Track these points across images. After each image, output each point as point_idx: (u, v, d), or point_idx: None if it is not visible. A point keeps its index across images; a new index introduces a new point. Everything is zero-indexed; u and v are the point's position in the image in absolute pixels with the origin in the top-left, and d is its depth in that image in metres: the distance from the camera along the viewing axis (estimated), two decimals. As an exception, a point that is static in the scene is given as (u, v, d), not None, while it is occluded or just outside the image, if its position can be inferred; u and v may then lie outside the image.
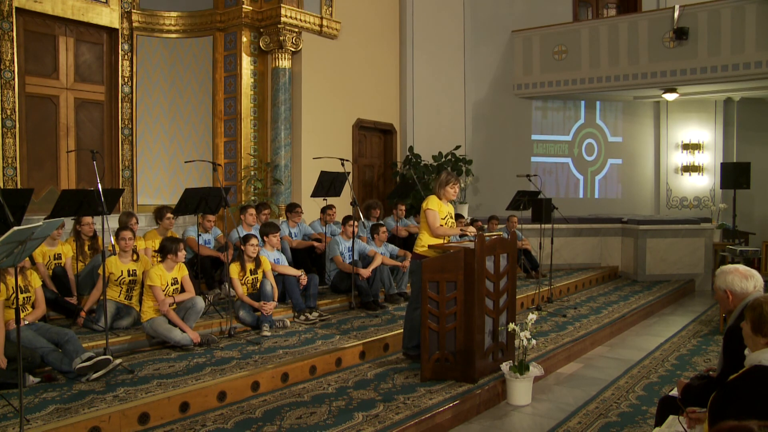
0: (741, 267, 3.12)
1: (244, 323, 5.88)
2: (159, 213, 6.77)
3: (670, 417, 2.95)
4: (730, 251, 9.07)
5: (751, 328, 2.53)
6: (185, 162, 9.09)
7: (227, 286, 5.95)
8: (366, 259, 7.18)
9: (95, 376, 4.26)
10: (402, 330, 5.74)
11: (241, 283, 5.93)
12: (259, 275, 6.03)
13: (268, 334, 5.66)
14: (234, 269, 5.93)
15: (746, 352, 2.59)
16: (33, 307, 4.73)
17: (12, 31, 8.06)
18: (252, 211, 7.14)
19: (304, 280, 6.39)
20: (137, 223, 6.67)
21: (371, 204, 8.50)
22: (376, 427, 3.85)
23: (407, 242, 8.75)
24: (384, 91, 11.28)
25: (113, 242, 5.72)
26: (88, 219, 6.11)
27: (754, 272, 3.10)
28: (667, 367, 5.68)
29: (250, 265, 6.00)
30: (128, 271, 5.54)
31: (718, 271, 3.18)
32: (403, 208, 8.87)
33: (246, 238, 6.00)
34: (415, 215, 9.55)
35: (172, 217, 6.68)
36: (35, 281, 4.81)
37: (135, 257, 5.66)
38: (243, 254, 5.96)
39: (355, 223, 7.26)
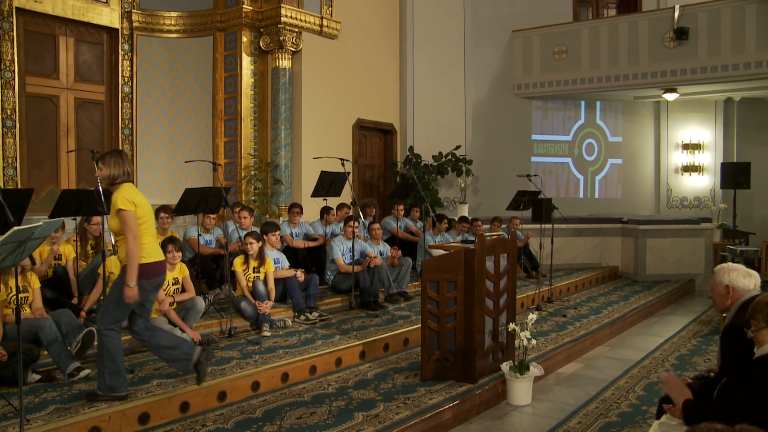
0: (741, 266, 3.12)
1: (245, 315, 5.87)
2: (155, 213, 6.75)
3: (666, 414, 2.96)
4: (730, 251, 9.06)
5: None
6: (185, 162, 9.09)
7: (228, 286, 5.96)
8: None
9: (85, 374, 4.31)
10: (401, 331, 5.76)
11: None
12: (261, 275, 6.04)
13: (268, 334, 5.66)
14: (238, 261, 6.00)
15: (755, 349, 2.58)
16: (30, 307, 4.73)
17: (12, 31, 8.06)
18: (245, 213, 7.08)
19: (300, 277, 6.39)
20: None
21: (367, 203, 8.64)
22: (376, 427, 3.85)
23: (407, 242, 8.77)
24: (384, 91, 11.28)
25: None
26: (97, 219, 6.08)
27: (754, 272, 3.11)
28: (667, 367, 5.68)
29: (253, 263, 6.02)
30: (128, 271, 5.53)
31: (718, 267, 3.15)
32: (401, 208, 8.87)
33: (245, 237, 6.05)
34: (412, 213, 9.57)
35: (166, 216, 6.67)
36: (34, 282, 4.82)
37: (135, 257, 5.65)
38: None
39: (356, 223, 7.26)
